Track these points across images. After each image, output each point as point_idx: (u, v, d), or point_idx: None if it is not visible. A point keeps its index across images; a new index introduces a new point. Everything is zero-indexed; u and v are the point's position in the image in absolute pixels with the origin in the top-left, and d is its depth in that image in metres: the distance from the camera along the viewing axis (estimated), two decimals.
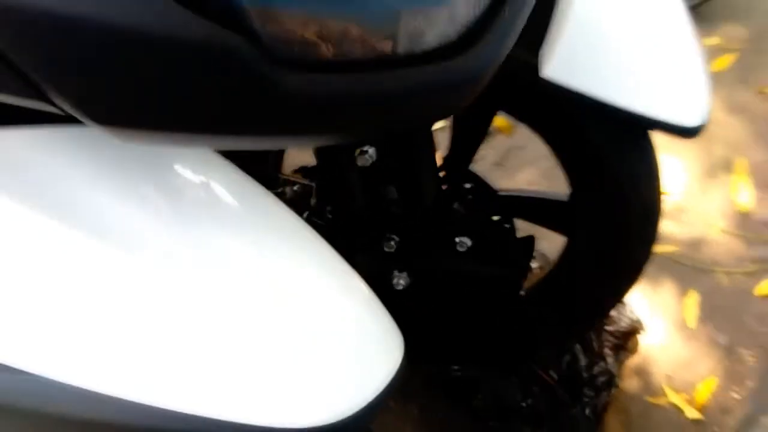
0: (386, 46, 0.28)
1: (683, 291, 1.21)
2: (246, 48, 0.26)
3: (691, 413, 1.06)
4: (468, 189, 0.82)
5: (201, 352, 0.42)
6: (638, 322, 1.09)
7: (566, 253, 0.92)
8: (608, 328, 1.06)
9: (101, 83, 0.27)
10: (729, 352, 1.14)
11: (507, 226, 0.83)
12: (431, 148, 0.75)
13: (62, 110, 0.29)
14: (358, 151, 0.73)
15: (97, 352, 0.40)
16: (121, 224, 0.41)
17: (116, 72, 0.27)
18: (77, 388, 0.40)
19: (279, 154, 0.87)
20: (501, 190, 0.84)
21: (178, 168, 0.46)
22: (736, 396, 1.09)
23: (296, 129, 0.31)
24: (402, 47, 0.29)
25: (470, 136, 0.82)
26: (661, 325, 1.16)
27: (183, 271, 0.42)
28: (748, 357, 1.13)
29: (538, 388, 0.98)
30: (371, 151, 0.73)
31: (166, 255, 0.42)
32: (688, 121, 0.68)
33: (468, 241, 0.79)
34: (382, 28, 0.28)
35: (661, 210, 0.83)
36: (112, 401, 0.40)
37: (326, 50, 0.27)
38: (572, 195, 0.85)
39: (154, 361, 0.41)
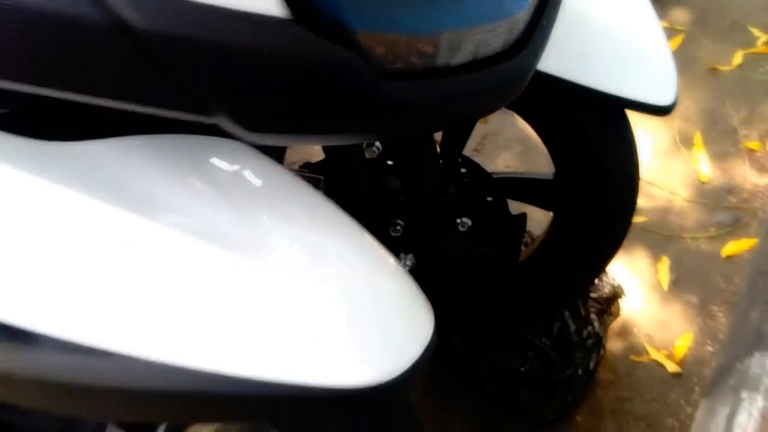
0: (462, 56, 0.34)
1: (656, 257, 1.31)
2: (358, 63, 0.32)
3: (672, 367, 1.16)
4: (463, 173, 0.89)
5: (258, 320, 0.47)
6: (619, 287, 1.17)
7: (553, 228, 0.99)
8: (593, 294, 1.14)
9: (256, 100, 0.32)
10: (701, 310, 1.24)
11: (502, 205, 0.90)
12: (431, 139, 0.82)
13: (209, 122, 0.34)
14: (365, 144, 0.78)
15: (172, 326, 0.45)
16: (191, 216, 0.46)
17: (267, 91, 0.32)
18: (155, 362, 0.44)
19: (282, 150, 0.92)
20: (493, 173, 0.91)
21: (231, 164, 0.51)
22: (710, 348, 1.19)
23: (393, 126, 0.37)
24: (474, 55, 0.35)
25: (462, 124, 0.89)
26: (638, 290, 1.26)
27: (241, 253, 0.47)
28: (718, 313, 1.24)
29: (533, 354, 1.06)
30: (377, 143, 0.79)
31: (226, 239, 0.48)
32: (663, 100, 0.76)
33: (468, 222, 0.86)
34: (461, 42, 0.34)
35: (639, 183, 0.92)
36: (182, 371, 0.45)
37: (418, 62, 0.33)
38: (557, 174, 0.93)
39: (217, 329, 0.46)
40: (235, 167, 0.53)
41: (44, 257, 0.42)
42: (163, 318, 0.44)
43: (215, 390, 0.46)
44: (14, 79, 0.33)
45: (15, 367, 0.45)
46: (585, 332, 1.09)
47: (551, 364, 1.05)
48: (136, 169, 0.46)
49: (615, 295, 1.17)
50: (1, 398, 0.53)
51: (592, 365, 1.08)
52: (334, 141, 0.47)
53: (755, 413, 0.90)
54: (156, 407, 0.49)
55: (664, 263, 1.30)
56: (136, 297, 0.44)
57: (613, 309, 1.17)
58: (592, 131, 0.84)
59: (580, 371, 1.07)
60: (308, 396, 0.48)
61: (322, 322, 0.49)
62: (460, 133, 0.89)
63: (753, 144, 1.50)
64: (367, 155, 0.79)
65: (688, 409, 1.12)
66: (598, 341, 1.10)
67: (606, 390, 1.13)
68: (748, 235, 1.34)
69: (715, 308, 1.24)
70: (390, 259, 0.58)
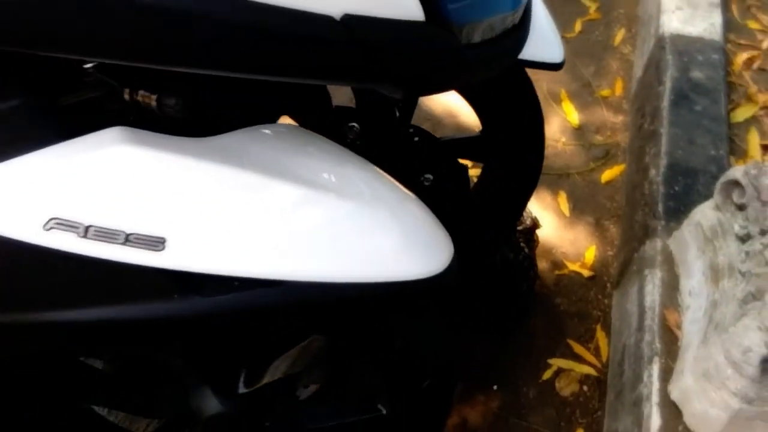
0: (498, 32, 0.55)
1: (555, 193, 1.61)
2: (457, 41, 0.51)
3: (587, 273, 1.46)
4: (417, 141, 1.11)
5: (359, 240, 0.65)
6: (536, 219, 1.44)
7: (484, 176, 1.24)
8: (519, 227, 1.41)
9: (410, 71, 0.51)
10: (597, 226, 1.56)
11: (450, 161, 1.13)
12: (393, 117, 1.03)
13: (374, 87, 0.52)
14: (347, 126, 0.98)
15: (304, 251, 0.62)
16: (297, 174, 0.64)
17: (416, 64, 0.50)
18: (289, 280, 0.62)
19: None
20: (439, 138, 1.14)
21: (303, 142, 0.70)
22: (610, 253, 1.51)
23: (470, 75, 0.57)
24: (503, 30, 0.56)
25: (410, 99, 1.11)
26: (548, 220, 1.55)
27: (336, 194, 0.66)
28: (610, 225, 1.56)
29: (486, 282, 1.30)
30: (357, 126, 0.99)
31: (326, 187, 0.66)
32: (556, 58, 1.02)
33: (430, 177, 1.08)
34: (505, 21, 0.55)
35: (544, 130, 1.18)
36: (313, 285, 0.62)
37: (482, 37, 0.53)
38: (483, 130, 1.17)
39: (330, 249, 0.64)
40: (306, 143, 0.71)
41: (217, 212, 0.58)
42: (297, 246, 0.62)
43: (332, 295, 0.65)
44: (258, 72, 0.49)
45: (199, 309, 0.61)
46: (520, 257, 1.36)
47: (501, 285, 1.31)
48: (253, 149, 0.63)
49: (534, 225, 1.44)
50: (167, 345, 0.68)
51: (531, 280, 1.35)
52: (439, 92, 0.67)
53: (657, 281, 1.20)
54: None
55: (562, 196, 1.60)
56: (281, 234, 0.61)
57: (535, 237, 1.44)
58: (504, 91, 1.09)
59: (524, 286, 1.33)
60: (389, 288, 0.67)
61: (387, 236, 0.69)
62: (408, 107, 1.11)
63: (605, 92, 1.86)
64: (349, 135, 0.99)
65: (606, 301, 1.42)
66: (531, 262, 1.37)
67: (543, 300, 1.41)
68: (617, 163, 1.68)
69: (606, 222, 1.56)
70: (413, 195, 0.79)
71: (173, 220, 0.57)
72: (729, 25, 1.75)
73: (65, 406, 0.91)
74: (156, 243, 0.57)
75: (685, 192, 1.34)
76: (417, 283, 0.69)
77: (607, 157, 1.69)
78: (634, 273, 1.32)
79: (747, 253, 1.03)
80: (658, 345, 1.11)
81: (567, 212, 1.58)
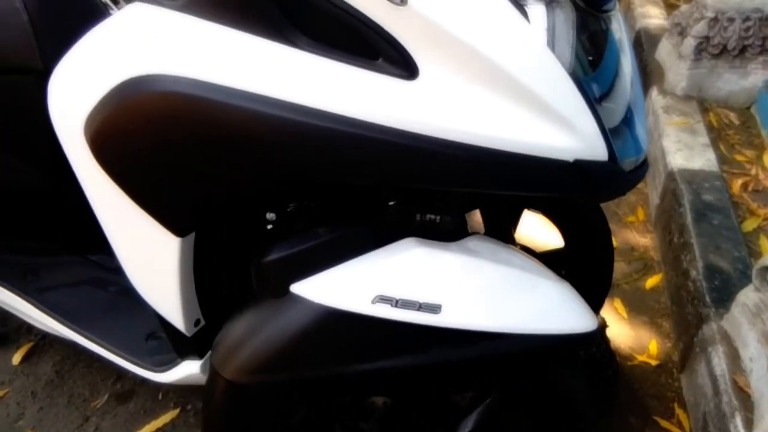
0: (636, 163, 0.92)
1: (611, 300, 1.94)
2: (621, 169, 0.87)
3: (654, 362, 1.74)
4: None
5: (540, 302, 0.97)
6: (603, 320, 1.76)
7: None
8: None
9: (602, 190, 0.87)
10: (652, 323, 1.86)
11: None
12: (510, 232, 1.38)
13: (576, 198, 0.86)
14: None
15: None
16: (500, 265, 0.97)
17: (604, 184, 0.86)
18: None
19: None
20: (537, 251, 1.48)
21: (487, 244, 1.04)
22: (669, 345, 1.80)
23: (623, 191, 0.92)
24: (638, 163, 0.93)
25: (514, 220, 1.46)
26: (611, 321, 1.86)
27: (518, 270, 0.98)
28: (662, 322, 1.87)
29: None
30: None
31: (510, 266, 0.98)
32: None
33: None
34: (638, 159, 0.93)
35: (613, 246, 1.54)
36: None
37: (629, 168, 0.90)
38: (566, 245, 1.52)
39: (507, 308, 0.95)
40: (499, 246, 1.05)
41: (468, 287, 0.90)
42: (516, 308, 0.93)
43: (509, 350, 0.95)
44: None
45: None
46: (601, 350, 1.65)
47: (596, 372, 1.58)
48: (479, 248, 0.97)
49: (604, 325, 1.75)
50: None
51: (614, 370, 1.63)
52: (607, 200, 1.03)
53: (721, 354, 1.50)
54: None
55: (618, 302, 1.93)
56: (507, 300, 0.93)
57: (604, 336, 1.74)
58: (584, 215, 1.46)
59: (609, 373, 1.61)
60: (567, 339, 0.97)
61: (563, 301, 1.00)
62: (515, 226, 1.47)
63: (630, 218, 2.26)
64: None
65: (675, 384, 1.69)
66: (611, 354, 1.66)
67: (623, 386, 1.67)
68: (655, 272, 2.02)
69: (659, 320, 1.88)
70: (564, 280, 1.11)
71: (445, 292, 0.89)
72: (721, 159, 2.19)
73: None
74: (435, 308, 0.88)
75: (723, 285, 1.67)
76: (581, 336, 1.00)
77: (646, 269, 2.04)
78: (697, 354, 1.61)
79: None
80: (735, 402, 1.39)
81: (624, 315, 1.89)
